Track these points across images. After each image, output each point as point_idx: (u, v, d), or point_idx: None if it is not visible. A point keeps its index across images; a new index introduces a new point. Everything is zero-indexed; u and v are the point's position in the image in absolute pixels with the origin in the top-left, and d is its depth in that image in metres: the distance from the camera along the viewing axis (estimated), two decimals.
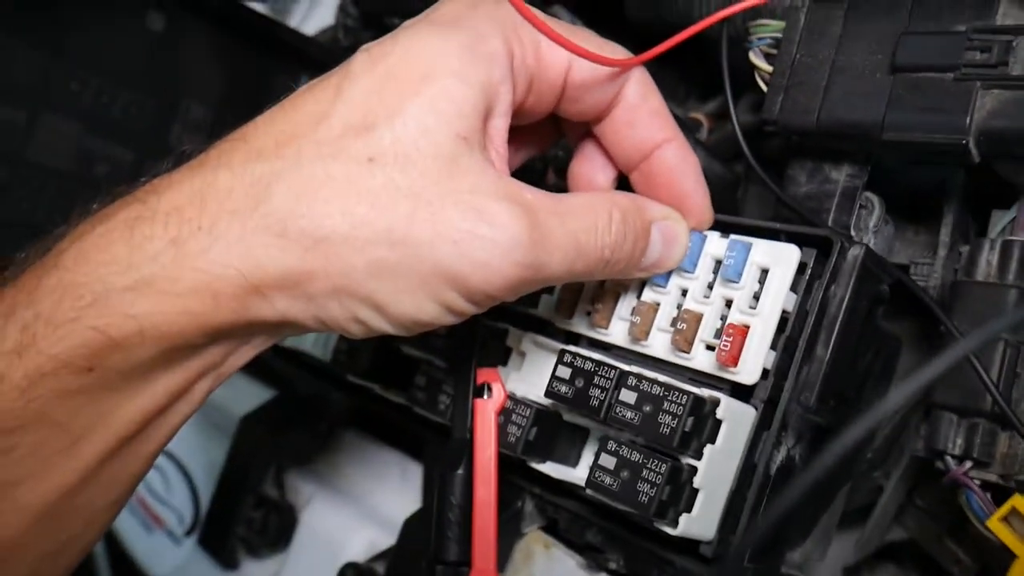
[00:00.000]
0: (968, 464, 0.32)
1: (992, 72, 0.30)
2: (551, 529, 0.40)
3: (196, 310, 0.28)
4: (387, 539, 0.44)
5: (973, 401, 0.32)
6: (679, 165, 0.34)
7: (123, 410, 0.29)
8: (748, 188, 0.54)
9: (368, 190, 0.27)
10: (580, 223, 0.30)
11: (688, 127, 0.45)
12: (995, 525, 0.29)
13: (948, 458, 0.33)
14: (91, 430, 0.28)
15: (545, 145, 0.38)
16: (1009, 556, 0.29)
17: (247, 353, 0.31)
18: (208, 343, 0.29)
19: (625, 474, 0.31)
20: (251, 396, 0.55)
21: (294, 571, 0.47)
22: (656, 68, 0.61)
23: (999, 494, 0.32)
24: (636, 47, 0.57)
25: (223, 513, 0.50)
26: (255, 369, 0.57)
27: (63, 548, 0.30)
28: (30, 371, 0.27)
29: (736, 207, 0.49)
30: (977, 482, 0.32)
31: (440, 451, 0.38)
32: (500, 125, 0.31)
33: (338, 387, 0.48)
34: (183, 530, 0.55)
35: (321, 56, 0.57)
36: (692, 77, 0.60)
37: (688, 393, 0.31)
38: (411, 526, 0.41)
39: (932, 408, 0.34)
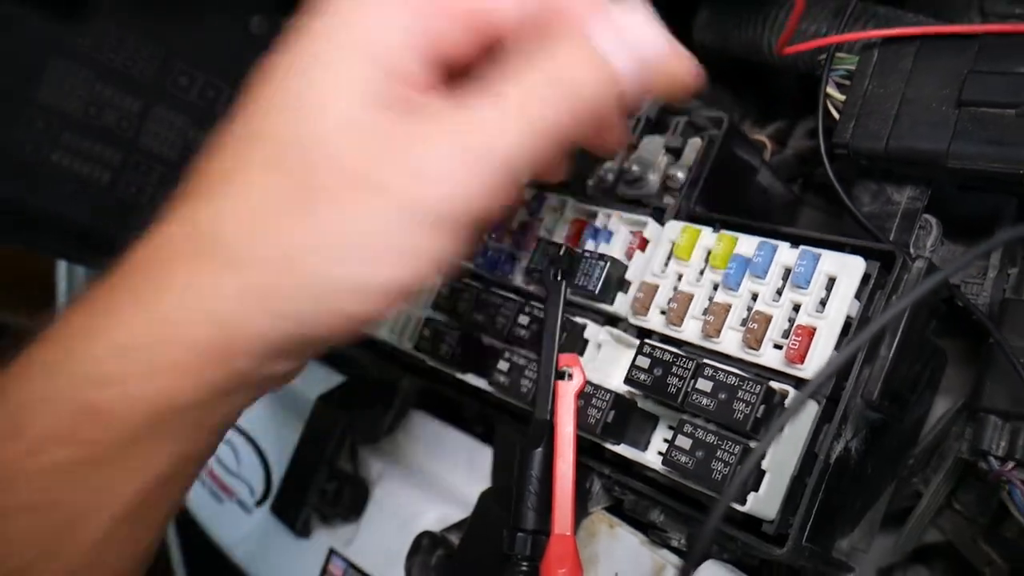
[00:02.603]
0: (1011, 464, 0.36)
1: None
2: (615, 510, 0.43)
3: (179, 371, 0.27)
4: (457, 514, 0.47)
5: (1018, 405, 0.36)
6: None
7: (121, 482, 0.28)
8: (801, 211, 0.57)
9: (301, 199, 0.27)
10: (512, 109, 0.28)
11: (755, 148, 0.48)
12: None
13: (991, 459, 0.36)
14: (91, 507, 0.28)
15: None
16: None
17: (242, 398, 0.30)
18: (201, 398, 0.28)
19: (700, 454, 0.35)
20: (322, 381, 0.59)
21: (367, 539, 0.50)
22: (715, 92, 0.65)
23: None
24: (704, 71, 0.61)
25: (298, 484, 0.54)
26: (326, 356, 0.61)
27: None
28: (21, 452, 0.26)
29: (794, 225, 0.52)
30: (1021, 479, 0.35)
31: (520, 431, 0.42)
32: (413, 69, 0.29)
33: (409, 371, 0.52)
34: (254, 500, 0.59)
35: None
36: (748, 101, 0.64)
37: (761, 383, 0.34)
38: (486, 499, 0.44)
39: (978, 412, 0.37)
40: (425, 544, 0.45)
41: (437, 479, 0.50)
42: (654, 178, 0.48)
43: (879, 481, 0.41)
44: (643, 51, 0.30)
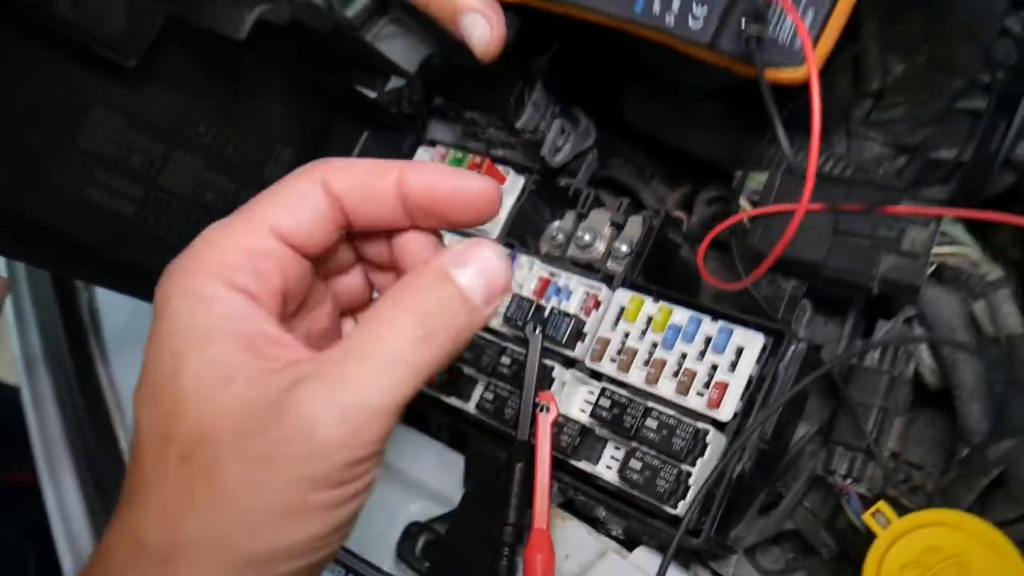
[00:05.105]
0: (849, 480, 0.52)
1: (892, 245, 0.49)
2: (567, 507, 0.57)
3: None
4: (435, 507, 0.59)
5: (856, 441, 0.52)
6: (426, 182, 0.35)
7: None
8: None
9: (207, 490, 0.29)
10: (368, 347, 0.31)
11: (679, 229, 0.62)
12: (867, 519, 0.48)
13: (837, 476, 0.52)
14: None
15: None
16: (869, 540, 0.48)
17: None
18: None
19: (647, 474, 0.49)
20: None
21: (355, 530, 0.61)
22: (628, 150, 0.77)
23: (864, 502, 0.52)
24: (634, 143, 0.74)
25: None
26: None
27: None
28: None
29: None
30: (856, 492, 0.51)
31: (492, 444, 0.54)
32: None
33: None
34: None
35: (382, 119, 0.71)
36: (659, 162, 0.78)
37: (691, 426, 0.49)
38: (468, 498, 0.56)
39: (830, 442, 0.53)
40: (414, 532, 0.57)
41: (413, 477, 0.62)
42: (601, 245, 0.61)
43: (760, 488, 0.56)
44: (495, 283, 0.34)
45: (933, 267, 0.50)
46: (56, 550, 0.74)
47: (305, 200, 0.34)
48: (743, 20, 0.41)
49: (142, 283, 0.66)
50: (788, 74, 0.41)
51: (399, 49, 0.77)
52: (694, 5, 0.42)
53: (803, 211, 0.39)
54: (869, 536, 0.48)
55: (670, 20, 0.43)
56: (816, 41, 0.40)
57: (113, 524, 0.31)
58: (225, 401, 0.29)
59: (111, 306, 0.87)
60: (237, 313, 0.31)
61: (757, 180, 0.56)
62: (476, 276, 0.33)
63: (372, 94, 0.71)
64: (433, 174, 0.35)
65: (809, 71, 0.38)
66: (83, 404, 0.82)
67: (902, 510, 0.48)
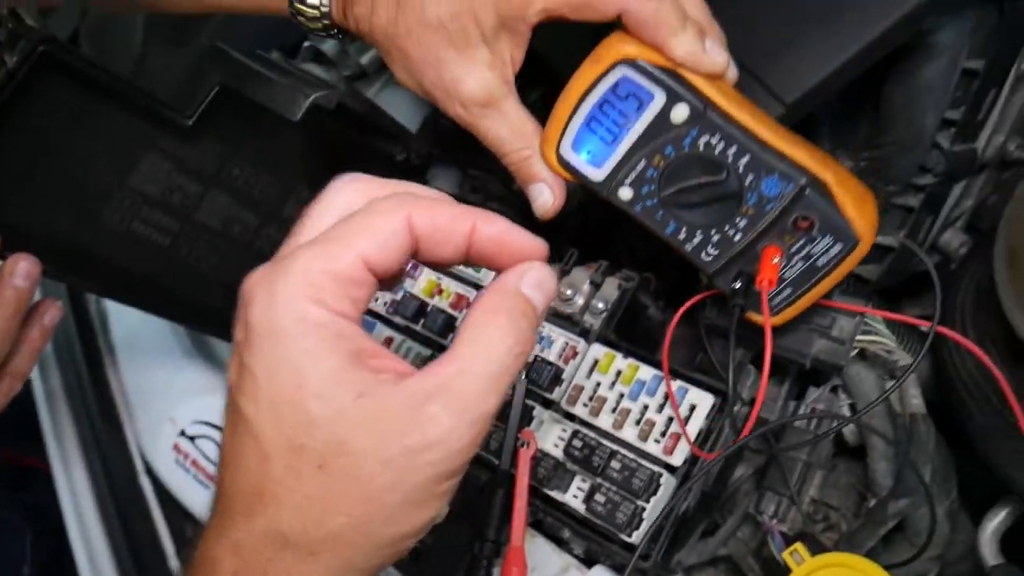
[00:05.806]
0: (775, 520, 0.62)
1: (824, 331, 0.59)
2: (537, 526, 0.66)
3: None
4: None
5: (783, 489, 0.62)
6: (496, 234, 0.40)
7: None
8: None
9: (343, 490, 0.34)
10: (480, 363, 0.36)
11: (649, 290, 0.72)
12: (786, 556, 0.58)
13: (765, 516, 0.62)
14: None
15: None
16: (787, 573, 0.58)
17: None
18: None
19: (609, 506, 0.58)
20: None
21: None
22: (604, 208, 0.86)
23: (786, 539, 0.62)
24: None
25: None
26: None
27: None
28: None
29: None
30: (780, 531, 0.61)
31: (485, 472, 0.63)
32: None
33: None
34: None
35: (389, 167, 0.80)
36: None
37: (649, 469, 0.58)
38: (451, 512, 0.65)
39: (761, 487, 0.63)
40: None
41: None
42: (580, 300, 0.70)
43: (701, 520, 0.66)
44: (549, 295, 0.40)
45: (856, 351, 0.60)
46: (66, 531, 0.81)
47: (392, 236, 0.37)
48: (737, 281, 0.54)
49: (173, 305, 0.74)
50: (758, 319, 0.55)
51: (402, 102, 0.85)
52: (709, 247, 0.55)
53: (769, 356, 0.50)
54: (787, 570, 0.58)
55: (689, 247, 0.55)
56: (788, 307, 0.56)
57: (237, 528, 0.36)
58: (359, 415, 0.34)
59: (117, 310, 0.94)
60: (343, 334, 0.36)
61: None
62: (538, 292, 0.39)
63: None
64: (504, 230, 0.40)
65: (766, 339, 0.52)
66: (93, 397, 0.89)
67: (818, 546, 0.58)
